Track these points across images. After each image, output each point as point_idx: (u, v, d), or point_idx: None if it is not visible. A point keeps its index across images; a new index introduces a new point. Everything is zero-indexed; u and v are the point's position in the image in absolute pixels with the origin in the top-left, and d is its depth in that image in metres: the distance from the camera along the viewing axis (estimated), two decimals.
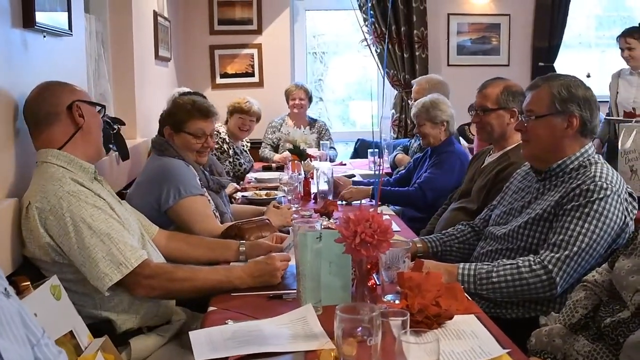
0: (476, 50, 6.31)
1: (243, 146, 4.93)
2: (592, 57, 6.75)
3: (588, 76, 6.26)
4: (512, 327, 1.93)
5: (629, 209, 2.07)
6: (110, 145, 2.93)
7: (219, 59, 6.15)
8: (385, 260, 1.85)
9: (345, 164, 5.19)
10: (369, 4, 5.71)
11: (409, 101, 4.76)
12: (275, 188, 3.69)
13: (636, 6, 6.68)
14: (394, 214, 3.24)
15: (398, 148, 4.76)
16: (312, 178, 3.50)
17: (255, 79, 6.20)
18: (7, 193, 2.00)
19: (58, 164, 1.97)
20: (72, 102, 2.02)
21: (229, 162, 4.65)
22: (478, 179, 2.89)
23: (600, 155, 2.20)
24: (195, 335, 1.63)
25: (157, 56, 4.68)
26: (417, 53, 6.02)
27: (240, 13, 6.10)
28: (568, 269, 1.96)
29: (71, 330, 1.74)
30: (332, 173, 3.32)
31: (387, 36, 5.76)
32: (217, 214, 2.82)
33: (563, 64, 6.26)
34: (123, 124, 3.13)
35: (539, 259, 1.99)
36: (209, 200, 2.79)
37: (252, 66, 6.19)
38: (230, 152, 4.62)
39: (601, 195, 2.00)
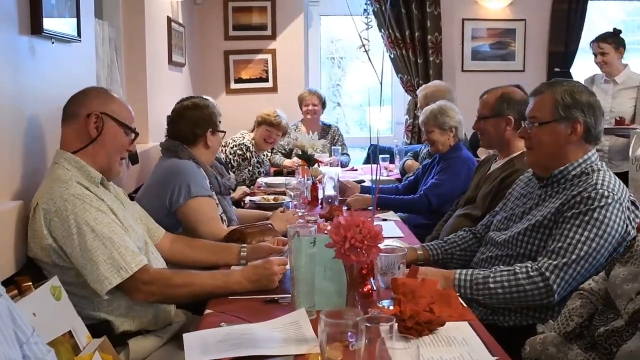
0: (491, 55, 6.29)
1: (264, 155, 4.99)
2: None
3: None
4: (510, 335, 1.93)
5: (631, 218, 2.05)
6: None
7: (234, 64, 6.20)
8: (380, 266, 1.86)
9: (356, 169, 5.20)
10: (374, 8, 5.72)
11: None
12: (284, 193, 3.71)
13: None
14: (399, 219, 3.24)
15: (409, 154, 4.76)
16: (320, 183, 3.51)
17: (269, 84, 6.24)
18: (13, 195, 2.06)
19: (68, 167, 2.02)
20: (92, 112, 2.05)
21: (248, 170, 4.71)
22: (483, 185, 2.89)
23: (604, 163, 2.18)
24: (188, 338, 1.65)
25: (170, 61, 4.74)
26: (431, 58, 6.02)
27: (254, 18, 6.16)
28: (566, 276, 1.95)
29: (70, 330, 1.77)
30: (338, 178, 3.33)
31: (385, 38, 5.75)
32: (224, 218, 2.85)
33: (580, 70, 6.20)
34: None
35: (536, 266, 1.99)
36: (217, 204, 2.83)
37: (266, 71, 6.23)
38: (252, 160, 4.69)
39: (602, 203, 1.98)
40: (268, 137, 4.76)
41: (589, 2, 6.11)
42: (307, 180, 3.62)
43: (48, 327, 1.70)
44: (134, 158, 3.18)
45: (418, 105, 4.53)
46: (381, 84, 1.82)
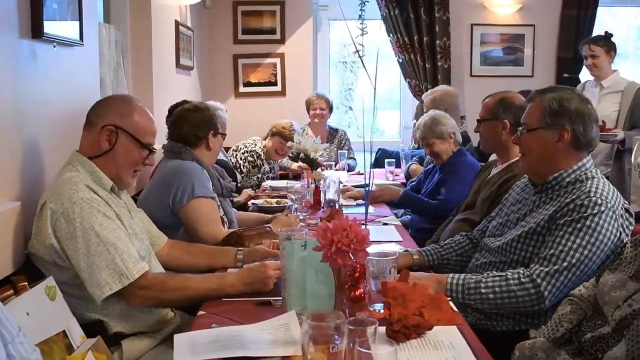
0: (500, 61, 6.28)
1: (274, 163, 5.03)
2: (628, 68, 6.62)
3: None
4: (503, 340, 1.94)
5: (625, 225, 2.04)
6: None
7: (242, 68, 6.24)
8: (372, 270, 1.87)
9: (362, 173, 5.20)
10: (382, 13, 5.73)
11: None
12: (286, 196, 3.73)
13: None
14: (399, 224, 3.24)
15: (414, 158, 4.76)
16: (318, 185, 3.53)
17: (278, 88, 6.28)
18: (11, 197, 2.09)
19: (80, 170, 2.05)
20: (107, 125, 2.07)
21: (257, 177, 4.73)
22: (483, 190, 2.89)
23: (598, 170, 2.17)
24: (179, 338, 1.67)
25: (178, 65, 4.78)
26: (439, 63, 6.02)
27: (264, 23, 6.20)
28: (557, 283, 1.95)
29: (64, 330, 1.80)
30: (339, 182, 3.34)
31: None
32: (225, 220, 2.88)
33: (589, 76, 6.16)
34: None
35: (528, 272, 1.98)
36: (219, 206, 2.85)
37: (275, 75, 6.27)
38: (263, 168, 4.72)
39: (595, 211, 1.97)
40: (280, 149, 4.83)
41: (599, 8, 6.08)
42: (311, 183, 3.63)
43: (42, 326, 1.73)
44: None
45: (424, 111, 4.52)
46: (374, 88, 1.83)
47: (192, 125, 2.86)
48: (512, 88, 3.66)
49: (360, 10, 2.16)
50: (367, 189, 2.44)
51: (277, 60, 6.25)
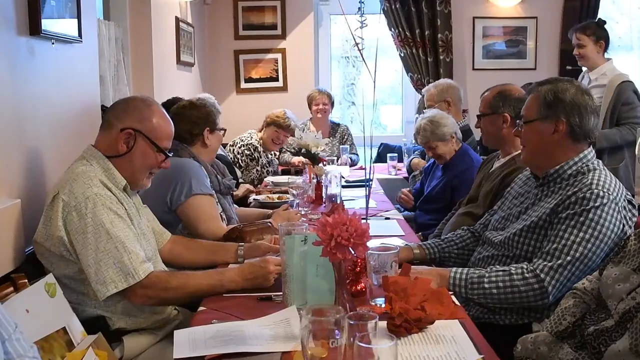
0: (502, 53, 6.24)
1: (272, 154, 5.01)
2: (632, 60, 6.59)
3: None
4: (506, 334, 1.93)
5: (628, 217, 2.02)
6: None
7: (244, 64, 6.23)
8: (373, 264, 1.86)
9: (365, 168, 5.19)
10: (383, 7, 5.70)
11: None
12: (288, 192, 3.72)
13: None
14: (402, 218, 3.23)
15: (415, 153, 4.74)
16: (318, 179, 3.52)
17: (279, 84, 6.26)
18: (11, 194, 2.08)
19: (94, 165, 2.04)
20: (126, 128, 2.06)
21: (256, 170, 4.72)
22: (485, 183, 2.87)
23: (600, 162, 2.15)
24: (179, 334, 1.67)
25: (179, 61, 4.77)
26: (441, 57, 5.99)
27: (264, 18, 6.18)
28: (561, 278, 1.93)
29: (64, 327, 1.79)
30: (341, 177, 3.33)
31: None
32: (224, 217, 2.87)
33: None
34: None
35: (531, 267, 1.97)
36: (217, 202, 2.84)
37: (276, 71, 6.25)
38: (261, 161, 4.70)
39: (597, 204, 1.96)
40: (276, 139, 4.78)
41: None
42: (313, 178, 3.62)
43: (42, 323, 1.73)
44: None
45: (426, 105, 4.50)
46: (374, 82, 1.81)
47: (187, 122, 2.83)
48: (515, 81, 3.63)
49: (359, 2, 2.14)
50: (368, 183, 2.43)
51: (279, 56, 6.23)
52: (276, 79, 6.26)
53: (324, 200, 3.47)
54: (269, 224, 2.62)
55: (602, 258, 1.95)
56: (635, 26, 6.78)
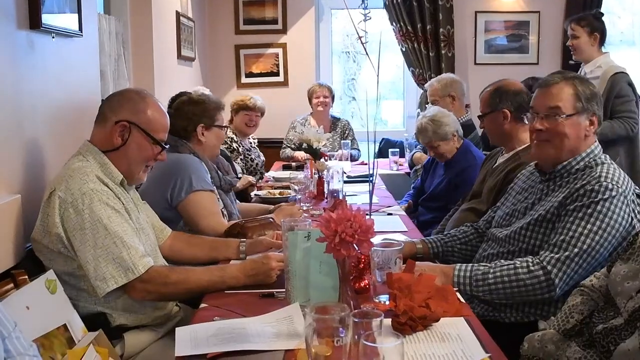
0: (504, 48, 6.20)
1: (250, 143, 4.95)
2: (634, 54, 6.55)
3: None
4: (511, 331, 1.90)
5: (637, 211, 2.00)
6: None
7: (244, 59, 6.20)
8: (377, 260, 1.84)
9: (366, 164, 5.17)
10: (385, 1, 5.67)
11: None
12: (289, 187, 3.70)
13: None
14: (404, 214, 3.21)
15: (417, 147, 4.72)
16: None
17: (280, 79, 6.23)
18: (11, 189, 2.06)
19: (90, 160, 2.02)
20: (121, 120, 2.03)
21: (240, 159, 4.67)
22: (489, 179, 2.85)
23: (607, 156, 2.13)
24: (180, 332, 1.64)
25: (179, 56, 4.74)
26: (443, 51, 5.96)
27: (265, 12, 6.14)
28: (568, 270, 1.91)
29: (65, 324, 1.77)
30: (343, 172, 3.31)
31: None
32: (225, 213, 2.84)
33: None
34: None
35: (538, 260, 1.95)
36: (218, 198, 2.82)
37: (277, 65, 6.22)
38: (241, 149, 4.65)
39: (606, 196, 1.94)
40: (249, 121, 4.70)
41: None
42: (314, 173, 3.60)
43: (42, 320, 1.71)
44: None
45: (429, 99, 4.47)
46: (377, 76, 1.79)
47: (183, 118, 2.81)
48: (517, 76, 3.61)
49: None
50: (371, 179, 2.41)
51: (279, 51, 6.20)
52: (277, 74, 6.23)
53: (325, 195, 3.45)
54: (270, 219, 2.60)
55: (610, 251, 1.93)
56: (637, 21, 6.75)
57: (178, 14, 4.69)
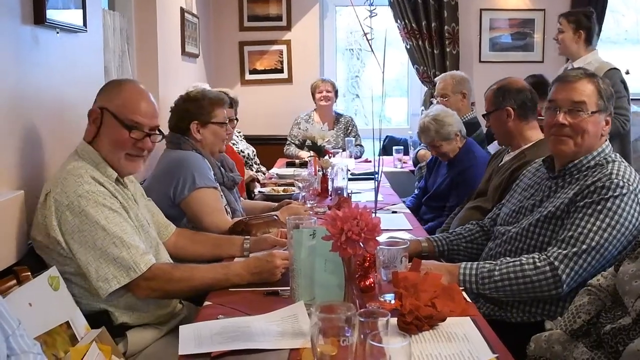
0: (509, 46, 6.17)
1: (236, 135, 4.88)
2: (638, 53, 6.52)
3: (627, 73, 6.07)
4: (518, 332, 1.89)
5: None
6: None
7: (248, 55, 6.17)
8: (383, 259, 1.82)
9: (370, 161, 5.15)
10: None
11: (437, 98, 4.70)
12: (293, 184, 3.68)
13: None
14: (409, 212, 3.19)
15: (421, 145, 4.69)
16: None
17: (284, 75, 6.21)
18: (14, 185, 2.05)
19: (85, 160, 2.00)
20: (95, 107, 2.02)
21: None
22: (495, 177, 2.83)
23: (618, 154, 2.11)
24: (184, 330, 1.64)
25: (184, 52, 4.73)
26: (447, 49, 5.93)
27: (269, 9, 6.12)
28: (575, 266, 1.89)
29: (67, 321, 1.76)
30: (347, 170, 3.29)
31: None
32: (228, 209, 2.83)
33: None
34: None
35: (545, 256, 1.93)
36: (221, 195, 2.80)
37: (281, 62, 6.20)
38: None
39: (616, 193, 1.92)
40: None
41: None
42: (318, 171, 3.58)
43: (45, 317, 1.70)
44: None
45: (437, 93, 4.45)
46: (383, 73, 1.77)
47: (179, 115, 2.80)
48: (522, 74, 3.58)
49: None
50: (376, 176, 2.39)
51: (284, 47, 6.18)
52: (281, 71, 6.21)
53: (329, 193, 3.44)
54: (275, 217, 2.58)
55: (618, 249, 1.92)
56: None
57: (182, 11, 4.67)
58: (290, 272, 1.80)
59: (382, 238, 1.92)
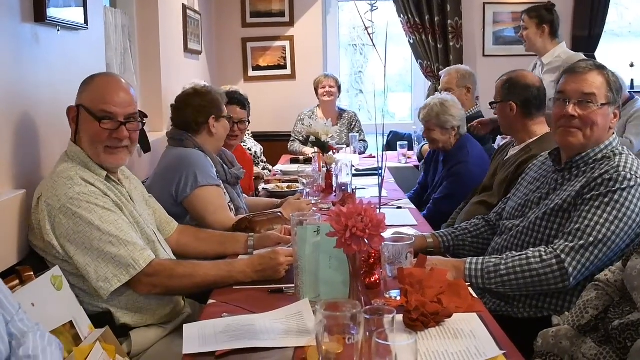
0: (513, 40, 6.08)
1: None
2: None
3: (631, 65, 6.04)
4: (524, 327, 1.87)
5: None
6: None
7: (251, 52, 6.15)
8: (388, 255, 1.81)
9: (374, 157, 5.12)
10: None
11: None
12: (297, 181, 3.67)
13: None
14: (413, 207, 3.17)
15: (425, 140, 4.67)
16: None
17: (287, 72, 6.19)
18: (15, 184, 2.03)
19: (74, 161, 1.98)
20: (72, 105, 2.01)
21: None
22: (500, 172, 2.81)
23: (625, 147, 2.09)
24: (188, 328, 1.62)
25: (186, 49, 4.71)
26: (451, 43, 5.90)
27: (272, 5, 6.09)
28: (582, 259, 1.87)
29: (71, 321, 1.75)
30: (352, 166, 3.28)
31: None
32: (232, 207, 2.81)
33: (605, 54, 6.04)
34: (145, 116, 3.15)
35: (551, 249, 1.91)
36: (225, 192, 2.79)
37: (284, 58, 6.18)
38: None
39: (624, 186, 1.90)
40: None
41: None
42: (323, 167, 3.57)
43: (48, 317, 1.68)
44: (145, 146, 3.16)
45: (441, 87, 4.43)
46: (385, 68, 1.76)
47: (192, 111, 2.77)
48: (526, 68, 3.55)
49: None
50: (380, 172, 2.38)
51: (287, 43, 6.16)
52: (284, 67, 6.19)
53: (334, 189, 3.42)
54: (279, 213, 2.57)
55: (626, 242, 1.90)
56: None
57: (185, 7, 4.65)
58: (295, 269, 1.78)
59: (388, 234, 1.91)
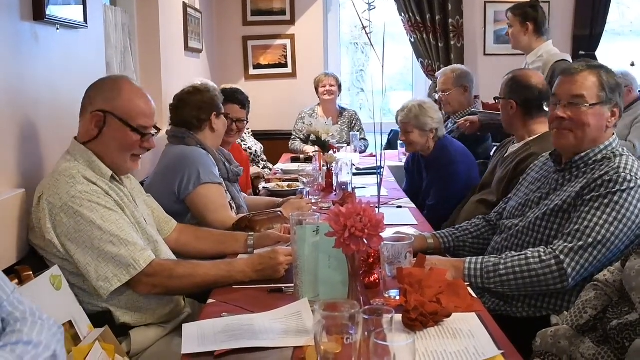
0: None
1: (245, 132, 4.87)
2: None
3: (632, 64, 6.03)
4: (523, 327, 1.87)
5: None
6: None
7: (252, 50, 6.14)
8: (387, 255, 1.81)
9: (375, 155, 5.12)
10: None
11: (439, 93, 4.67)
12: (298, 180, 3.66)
13: None
14: (414, 206, 3.17)
15: None
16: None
17: (288, 70, 6.18)
18: (15, 184, 2.03)
19: (78, 160, 1.98)
20: (95, 110, 1.98)
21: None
22: (499, 169, 2.82)
23: (625, 148, 2.09)
24: (187, 328, 1.62)
25: (187, 47, 4.71)
26: (452, 42, 5.89)
27: (273, 3, 6.08)
28: (581, 260, 1.87)
29: (70, 320, 1.75)
30: (352, 165, 3.28)
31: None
32: (233, 205, 2.82)
33: (606, 53, 6.03)
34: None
35: (550, 249, 1.91)
36: (226, 191, 2.79)
37: (285, 57, 6.17)
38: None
39: (624, 187, 1.90)
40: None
41: None
42: (323, 166, 3.57)
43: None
44: None
45: (438, 88, 4.42)
46: (382, 67, 1.75)
47: (193, 108, 2.77)
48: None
49: None
50: (379, 171, 2.38)
51: (287, 42, 6.15)
52: (285, 65, 6.18)
53: (334, 188, 3.42)
54: (279, 213, 2.57)
55: (625, 244, 1.90)
56: None
57: (185, 5, 4.65)
58: (294, 269, 1.78)
59: (388, 233, 1.91)
